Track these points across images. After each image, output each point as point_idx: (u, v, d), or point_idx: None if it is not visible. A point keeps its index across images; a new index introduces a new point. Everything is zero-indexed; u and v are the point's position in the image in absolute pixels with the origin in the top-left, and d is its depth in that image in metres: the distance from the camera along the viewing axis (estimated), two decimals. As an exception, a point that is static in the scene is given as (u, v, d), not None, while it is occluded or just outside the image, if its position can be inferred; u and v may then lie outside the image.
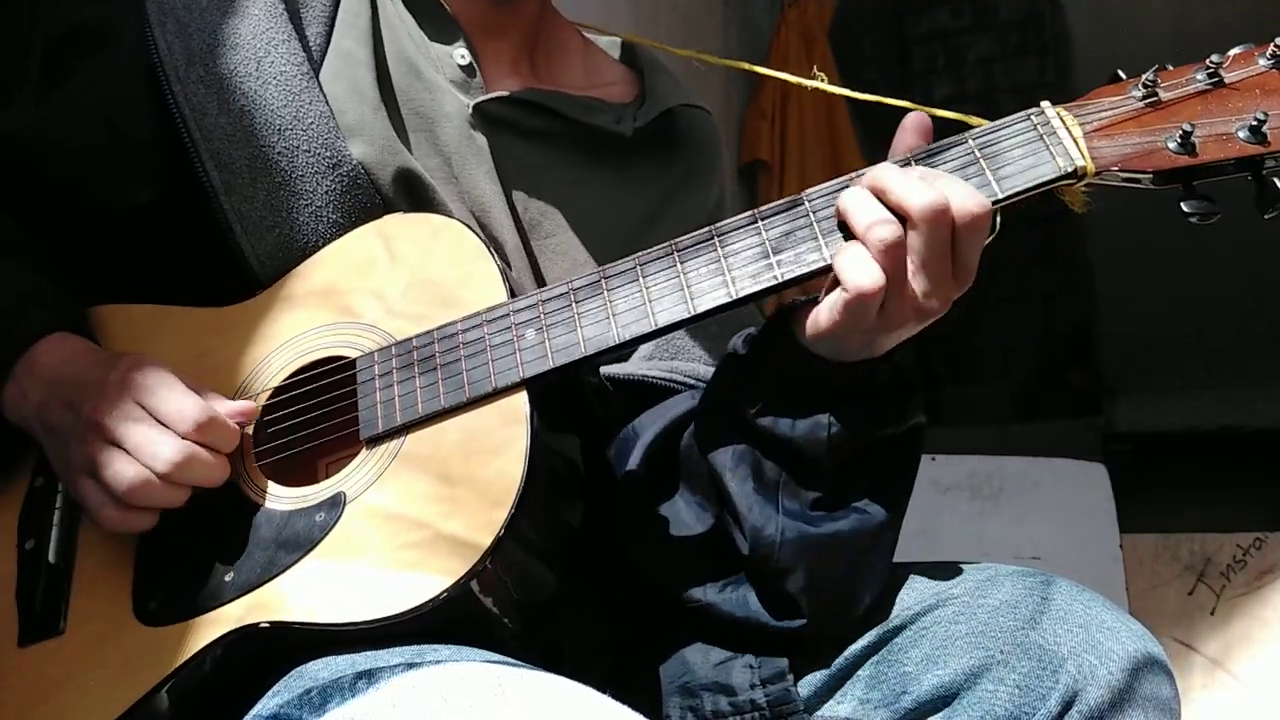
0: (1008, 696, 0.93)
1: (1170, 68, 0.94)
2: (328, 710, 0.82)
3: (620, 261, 0.98)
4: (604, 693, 0.81)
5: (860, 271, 0.88)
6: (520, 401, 0.95)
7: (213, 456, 0.96)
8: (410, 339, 1.01)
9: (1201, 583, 2.83)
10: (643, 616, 1.13)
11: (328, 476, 0.98)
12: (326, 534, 0.93)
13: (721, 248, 0.95)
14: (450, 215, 1.11)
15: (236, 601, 0.93)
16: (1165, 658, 0.96)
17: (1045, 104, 0.94)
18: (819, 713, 1.03)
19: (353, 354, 1.02)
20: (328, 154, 1.08)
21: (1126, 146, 0.91)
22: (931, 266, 0.89)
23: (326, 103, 1.09)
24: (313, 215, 1.08)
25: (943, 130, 0.98)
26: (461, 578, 0.88)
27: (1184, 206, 0.90)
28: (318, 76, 1.11)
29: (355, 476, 0.96)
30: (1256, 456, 4.10)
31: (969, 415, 4.65)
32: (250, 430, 1.02)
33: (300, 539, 0.94)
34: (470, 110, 1.17)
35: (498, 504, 0.90)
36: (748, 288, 0.93)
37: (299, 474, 1.01)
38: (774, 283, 0.93)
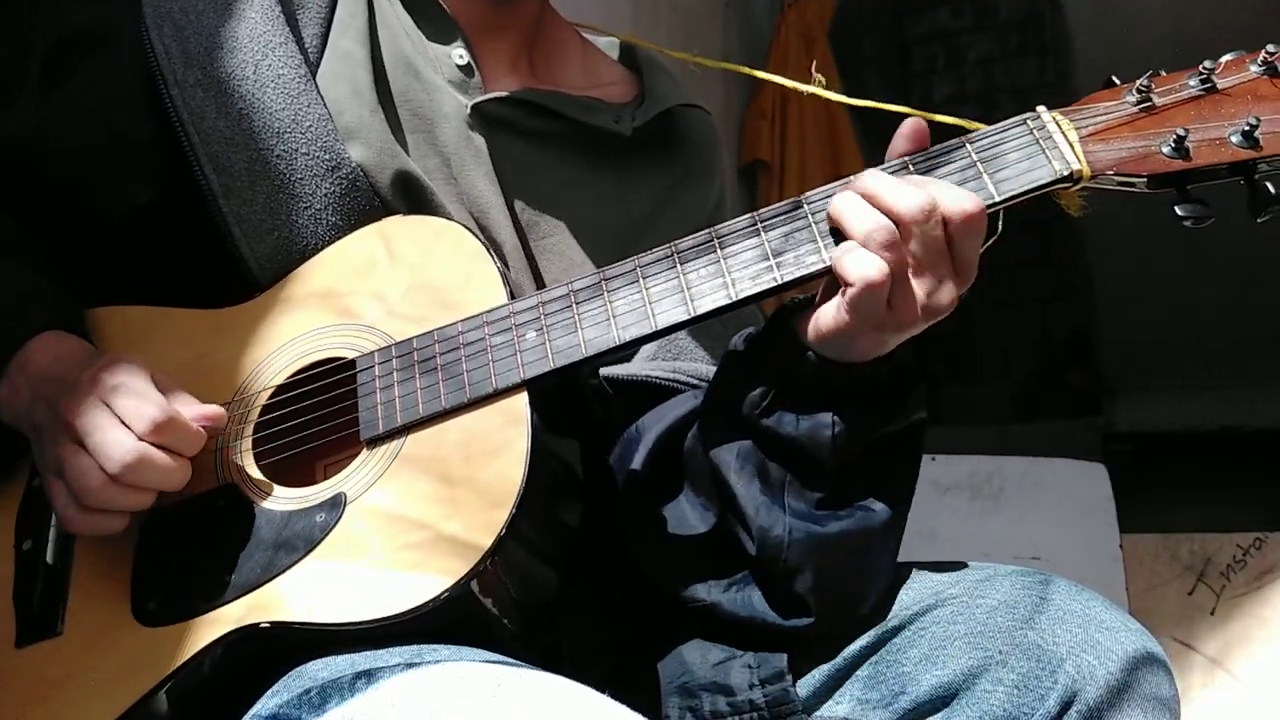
0: (1006, 696, 0.92)
1: (1164, 73, 0.95)
2: (327, 710, 0.82)
3: (620, 263, 0.98)
4: (603, 693, 0.81)
5: (864, 264, 0.89)
6: (521, 402, 0.95)
7: (170, 459, 0.94)
8: (410, 340, 1.01)
9: (1201, 583, 2.84)
10: (642, 617, 1.13)
11: (327, 477, 0.98)
12: (327, 534, 0.94)
13: (721, 250, 0.95)
14: (449, 216, 1.11)
15: (236, 602, 0.93)
16: (1164, 656, 0.96)
17: (1041, 109, 0.95)
18: (817, 713, 1.03)
19: (353, 355, 1.02)
20: (326, 156, 1.08)
21: (1121, 151, 0.92)
22: (930, 266, 0.90)
23: (324, 105, 1.09)
24: (312, 218, 1.08)
25: (941, 135, 0.98)
26: (462, 578, 0.89)
27: (1178, 210, 0.91)
28: (315, 78, 1.11)
29: (356, 477, 0.96)
30: (1256, 456, 4.10)
31: (969, 415, 4.65)
32: (250, 430, 1.02)
33: (300, 539, 0.94)
34: (468, 111, 1.17)
35: (498, 505, 0.90)
36: (747, 289, 0.94)
37: (299, 475, 1.01)
38: (774, 284, 0.94)
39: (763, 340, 1.02)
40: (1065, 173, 0.92)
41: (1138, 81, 0.94)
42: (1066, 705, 0.91)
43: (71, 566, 1.01)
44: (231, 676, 0.93)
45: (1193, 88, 0.93)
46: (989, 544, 2.86)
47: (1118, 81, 0.96)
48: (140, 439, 0.92)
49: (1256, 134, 0.89)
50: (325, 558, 0.93)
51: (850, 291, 0.90)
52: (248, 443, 1.01)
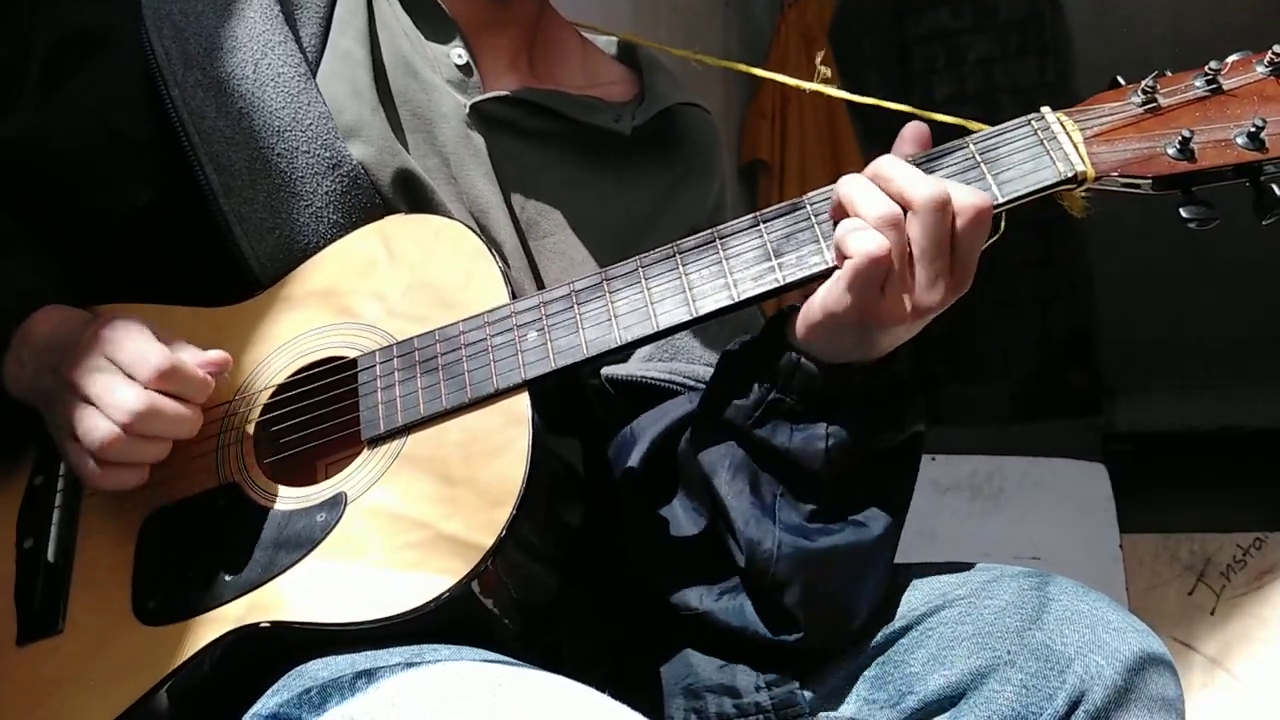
0: (1014, 696, 0.92)
1: (1170, 74, 0.95)
2: (327, 709, 0.82)
3: (622, 263, 0.98)
4: (603, 693, 0.81)
5: (867, 239, 0.89)
6: (522, 403, 0.95)
7: (179, 406, 0.95)
8: (411, 339, 1.01)
9: (1201, 583, 2.84)
10: (643, 617, 1.13)
11: (328, 477, 0.98)
12: (327, 534, 0.94)
13: (723, 250, 0.95)
14: (450, 215, 1.11)
15: (236, 601, 0.93)
16: (1170, 657, 0.96)
17: (1046, 109, 0.95)
18: (823, 713, 1.02)
19: (353, 354, 1.02)
20: (327, 154, 1.08)
21: (1126, 152, 0.92)
22: (930, 258, 0.89)
23: (324, 103, 1.09)
24: (313, 216, 1.08)
25: (943, 135, 0.98)
26: (463, 578, 0.88)
27: (1183, 212, 0.90)
28: (315, 77, 1.11)
29: (356, 477, 0.96)
30: (1256, 456, 4.10)
31: (969, 415, 4.65)
32: (251, 429, 1.02)
33: (301, 539, 0.94)
34: (467, 110, 1.17)
35: (499, 504, 0.90)
36: (749, 290, 0.94)
37: (299, 474, 1.01)
38: (776, 285, 0.93)
39: (757, 346, 1.01)
40: (1069, 174, 0.91)
41: (1143, 82, 0.94)
42: (1074, 705, 0.90)
43: (72, 565, 1.00)
44: (232, 675, 0.93)
45: (1198, 89, 0.93)
46: (989, 544, 2.86)
47: (1123, 82, 0.96)
48: (146, 388, 0.93)
49: (1262, 135, 0.89)
50: (326, 557, 0.93)
51: (849, 264, 0.89)
52: (249, 442, 1.01)
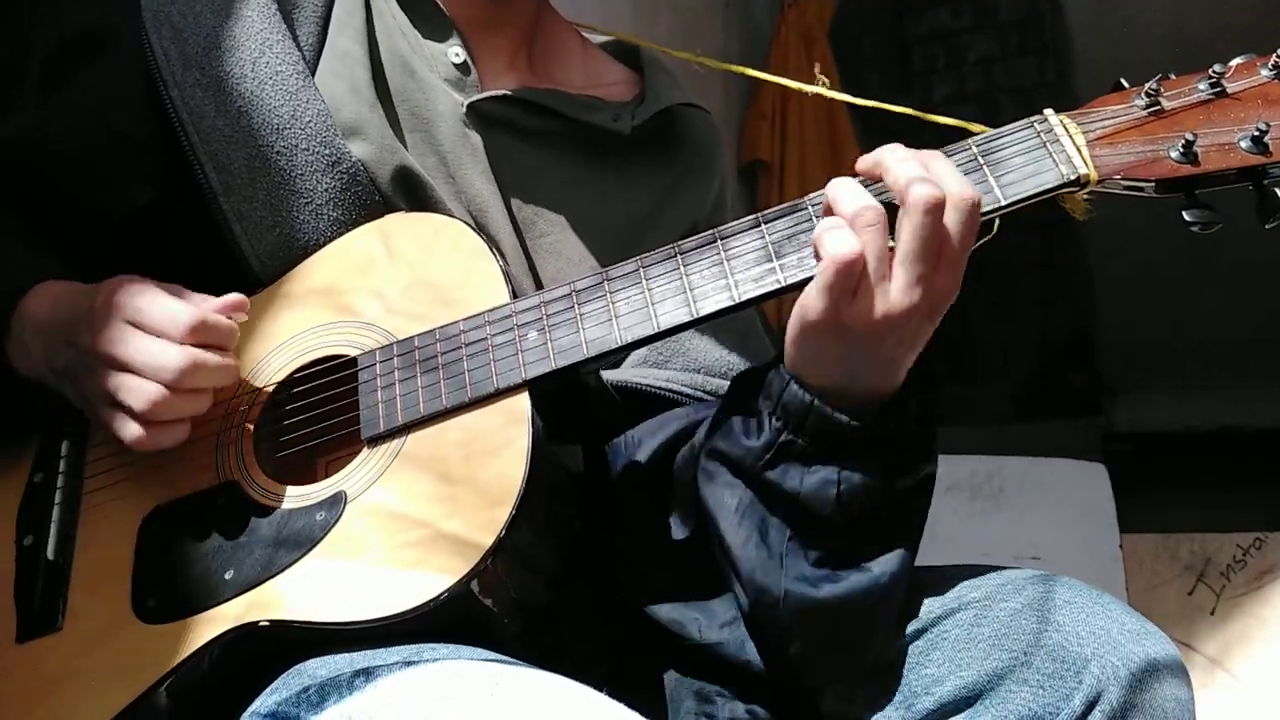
0: (1031, 696, 0.92)
1: (1173, 77, 0.95)
2: (325, 708, 0.82)
3: (623, 263, 0.98)
4: (603, 692, 0.81)
5: (839, 239, 0.88)
6: (522, 402, 0.95)
7: (218, 356, 0.98)
8: (412, 338, 1.01)
9: (1201, 583, 2.84)
10: (643, 617, 1.13)
11: (328, 475, 0.98)
12: (327, 533, 0.94)
13: (724, 250, 0.95)
14: (449, 213, 1.11)
15: (236, 600, 0.93)
16: (1180, 659, 0.96)
17: (1049, 111, 0.95)
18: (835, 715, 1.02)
19: (353, 353, 1.02)
20: (326, 152, 1.08)
21: (1129, 155, 0.92)
22: (914, 259, 0.88)
23: (323, 101, 1.09)
24: (313, 213, 1.08)
25: (944, 136, 0.97)
26: (462, 577, 0.88)
27: (1186, 215, 0.90)
28: (313, 76, 1.11)
29: (356, 475, 0.96)
30: (1256, 456, 4.10)
31: (969, 415, 4.64)
32: (250, 427, 1.02)
33: (300, 537, 0.94)
34: (464, 109, 1.17)
35: (499, 504, 0.90)
36: (750, 291, 0.93)
37: (299, 473, 1.01)
38: (776, 286, 0.93)
39: (766, 381, 0.97)
40: (1072, 177, 0.91)
41: (1146, 85, 0.94)
42: (1091, 705, 0.90)
43: (72, 563, 1.01)
44: (231, 674, 0.93)
45: (1202, 91, 0.93)
46: (989, 544, 2.86)
47: (1126, 85, 0.96)
48: (183, 344, 0.95)
49: (1266, 139, 0.88)
50: (325, 556, 0.93)
51: (820, 266, 0.88)
52: (249, 440, 1.01)
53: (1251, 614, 2.76)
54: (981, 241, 0.91)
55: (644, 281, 0.97)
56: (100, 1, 1.16)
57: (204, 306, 0.98)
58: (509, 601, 0.96)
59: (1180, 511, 3.16)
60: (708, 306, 0.94)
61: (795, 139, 4.21)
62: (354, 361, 1.02)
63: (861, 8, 5.15)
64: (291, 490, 0.98)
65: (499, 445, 0.93)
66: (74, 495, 1.03)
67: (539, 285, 1.16)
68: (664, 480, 1.08)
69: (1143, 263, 4.38)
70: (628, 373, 1.16)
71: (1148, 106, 0.93)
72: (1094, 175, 0.91)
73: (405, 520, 0.92)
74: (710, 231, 0.97)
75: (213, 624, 0.92)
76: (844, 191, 0.91)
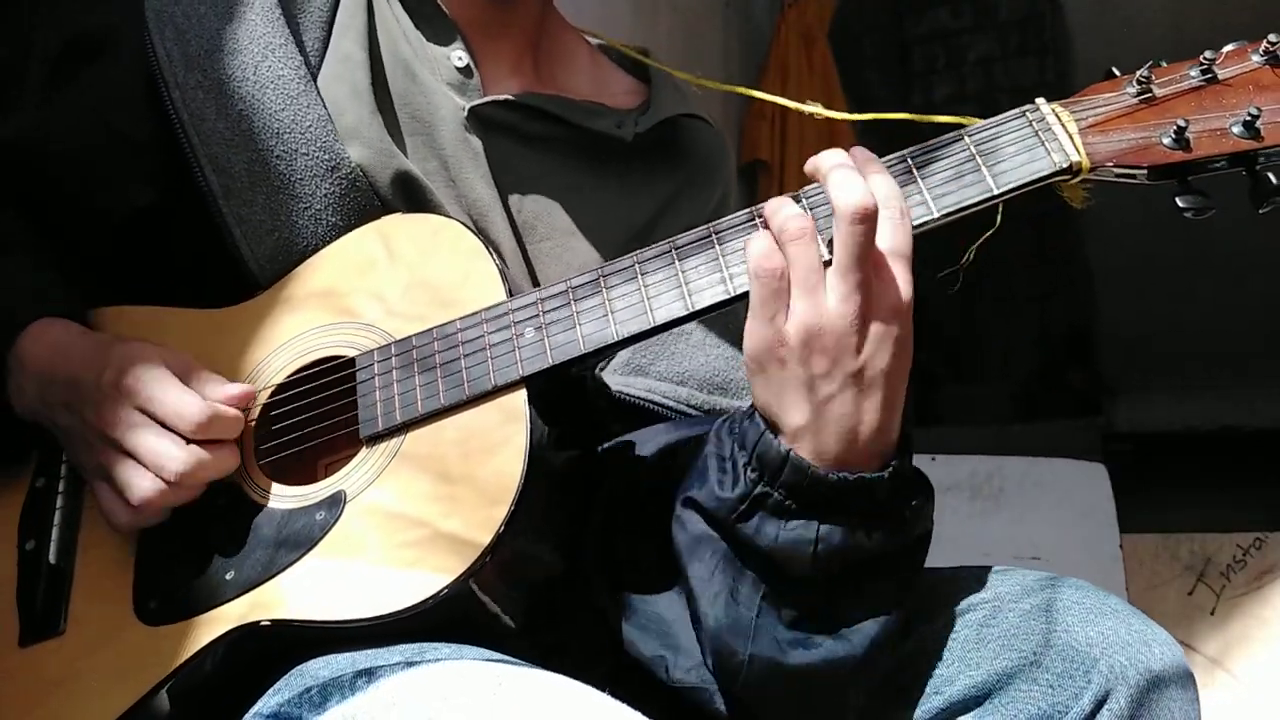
0: (1041, 695, 0.93)
1: (1165, 64, 0.95)
2: (328, 708, 0.82)
3: (619, 260, 0.98)
4: (603, 692, 0.81)
5: (761, 254, 0.88)
6: (519, 399, 0.95)
7: (220, 450, 0.96)
8: (410, 338, 1.01)
9: (1201, 583, 2.84)
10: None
11: (327, 475, 0.98)
12: (326, 532, 0.94)
13: (720, 245, 0.95)
14: (448, 216, 1.11)
15: (237, 600, 0.93)
16: (1185, 659, 0.97)
17: (1040, 100, 0.95)
18: None
19: (352, 353, 1.02)
20: (326, 157, 1.08)
21: (1121, 142, 0.92)
22: (843, 271, 0.86)
23: (324, 106, 1.10)
24: (312, 218, 1.08)
25: (941, 133, 0.97)
26: (461, 575, 0.89)
27: (1179, 202, 0.90)
28: (315, 80, 1.11)
29: (355, 475, 0.96)
30: (1256, 456, 4.09)
31: (969, 415, 4.64)
32: (250, 428, 1.02)
33: (300, 537, 0.94)
34: (465, 113, 1.17)
35: (497, 502, 0.91)
36: (745, 285, 0.93)
37: (299, 473, 1.01)
38: (772, 280, 0.93)
39: (746, 428, 0.93)
40: (1064, 165, 0.91)
41: (1138, 73, 0.94)
42: (1100, 704, 0.91)
43: (74, 566, 1.01)
44: (233, 675, 0.93)
45: (1193, 78, 0.93)
46: (989, 544, 2.86)
47: (1118, 73, 0.96)
48: (189, 442, 0.94)
49: (1258, 124, 0.89)
50: (325, 555, 0.93)
51: (751, 286, 0.89)
52: (248, 441, 1.01)
53: (1251, 614, 2.75)
54: (985, 236, 0.92)
55: (640, 278, 0.97)
56: (102, 1, 1.16)
57: (213, 401, 0.96)
58: (509, 599, 0.96)
59: (1180, 511, 3.16)
60: (704, 301, 0.94)
61: (795, 139, 4.21)
62: (352, 362, 1.02)
63: (861, 8, 5.15)
64: (291, 490, 0.98)
65: (497, 443, 0.93)
66: (75, 499, 1.03)
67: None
68: (637, 507, 1.06)
69: (1142, 257, 4.39)
70: (610, 378, 1.16)
71: (1139, 94, 0.93)
72: (1086, 163, 0.91)
73: (404, 519, 0.93)
74: (706, 226, 0.97)
75: (214, 625, 0.93)
76: (772, 206, 0.91)
